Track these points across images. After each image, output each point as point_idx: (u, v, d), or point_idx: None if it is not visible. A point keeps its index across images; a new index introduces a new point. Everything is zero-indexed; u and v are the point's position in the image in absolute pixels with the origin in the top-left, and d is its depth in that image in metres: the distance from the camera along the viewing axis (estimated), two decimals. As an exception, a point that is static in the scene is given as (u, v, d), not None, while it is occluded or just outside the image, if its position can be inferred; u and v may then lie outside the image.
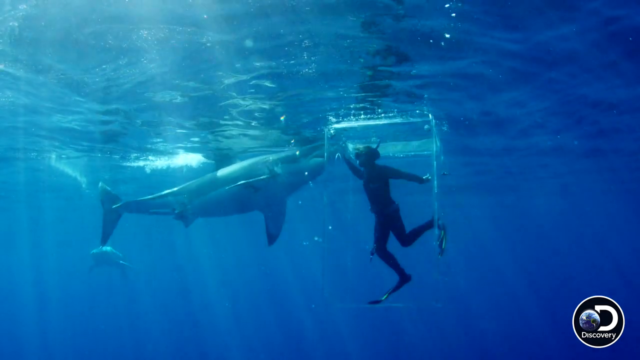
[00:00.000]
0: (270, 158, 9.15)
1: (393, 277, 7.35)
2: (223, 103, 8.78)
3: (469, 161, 15.28)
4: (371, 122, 9.24)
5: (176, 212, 9.58)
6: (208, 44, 6.35)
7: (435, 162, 7.31)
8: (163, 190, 10.21)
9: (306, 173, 8.83)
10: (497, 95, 8.86)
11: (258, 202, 9.30)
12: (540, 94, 8.88)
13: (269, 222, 9.65)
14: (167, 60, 6.89)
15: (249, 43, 6.37)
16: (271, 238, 9.78)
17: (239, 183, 8.83)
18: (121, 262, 22.19)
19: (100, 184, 10.73)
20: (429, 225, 7.18)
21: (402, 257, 7.35)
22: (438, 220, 7.11)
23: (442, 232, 7.03)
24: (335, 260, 8.18)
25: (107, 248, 21.33)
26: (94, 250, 21.31)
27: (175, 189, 10.03)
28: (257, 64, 7.07)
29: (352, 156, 8.15)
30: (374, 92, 8.42)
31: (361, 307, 7.63)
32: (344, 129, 9.48)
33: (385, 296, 7.17)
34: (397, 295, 7.28)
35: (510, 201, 25.44)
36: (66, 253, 40.86)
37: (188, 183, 10.06)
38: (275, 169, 8.93)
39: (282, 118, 9.37)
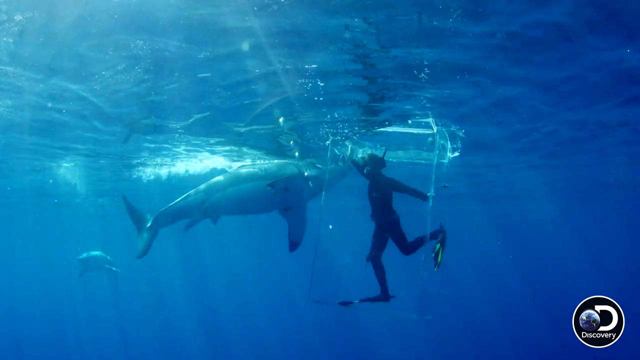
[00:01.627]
0: (301, 162, 9.28)
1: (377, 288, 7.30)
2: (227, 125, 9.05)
3: (470, 172, 15.45)
4: (390, 129, 9.20)
5: (201, 211, 9.35)
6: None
7: (434, 175, 7.23)
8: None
9: (328, 179, 8.82)
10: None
11: (279, 202, 9.17)
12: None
13: (291, 229, 9.45)
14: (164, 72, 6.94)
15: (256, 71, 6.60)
16: (292, 245, 9.58)
17: (271, 182, 8.68)
18: (110, 266, 21.49)
19: (123, 197, 10.04)
20: (432, 236, 7.00)
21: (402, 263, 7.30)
22: (439, 234, 7.00)
23: (438, 245, 6.88)
24: (329, 262, 8.14)
25: (95, 253, 20.94)
26: (81, 256, 20.78)
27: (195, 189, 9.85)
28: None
29: (360, 162, 8.13)
30: (374, 112, 8.55)
31: (346, 306, 7.52)
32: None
33: (357, 301, 7.12)
34: (393, 304, 7.25)
35: (507, 207, 25.48)
36: (63, 258, 40.72)
37: (209, 180, 9.84)
38: (305, 171, 8.98)
39: (280, 120, 9.43)
